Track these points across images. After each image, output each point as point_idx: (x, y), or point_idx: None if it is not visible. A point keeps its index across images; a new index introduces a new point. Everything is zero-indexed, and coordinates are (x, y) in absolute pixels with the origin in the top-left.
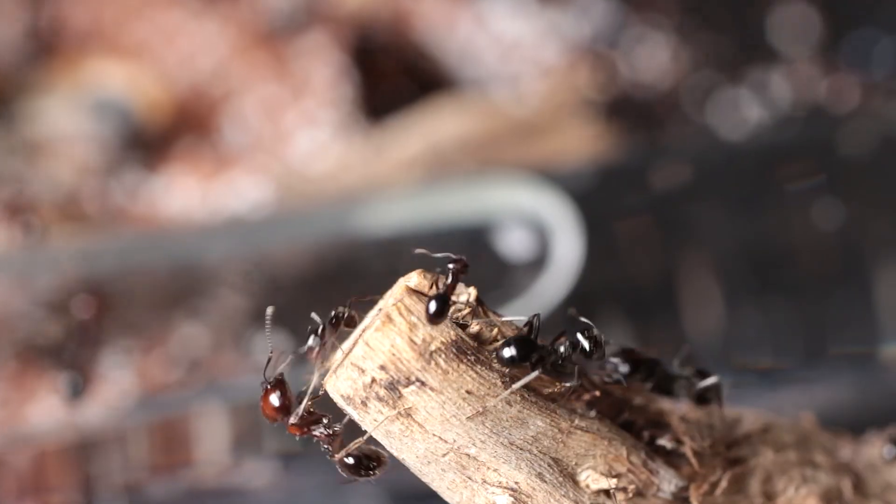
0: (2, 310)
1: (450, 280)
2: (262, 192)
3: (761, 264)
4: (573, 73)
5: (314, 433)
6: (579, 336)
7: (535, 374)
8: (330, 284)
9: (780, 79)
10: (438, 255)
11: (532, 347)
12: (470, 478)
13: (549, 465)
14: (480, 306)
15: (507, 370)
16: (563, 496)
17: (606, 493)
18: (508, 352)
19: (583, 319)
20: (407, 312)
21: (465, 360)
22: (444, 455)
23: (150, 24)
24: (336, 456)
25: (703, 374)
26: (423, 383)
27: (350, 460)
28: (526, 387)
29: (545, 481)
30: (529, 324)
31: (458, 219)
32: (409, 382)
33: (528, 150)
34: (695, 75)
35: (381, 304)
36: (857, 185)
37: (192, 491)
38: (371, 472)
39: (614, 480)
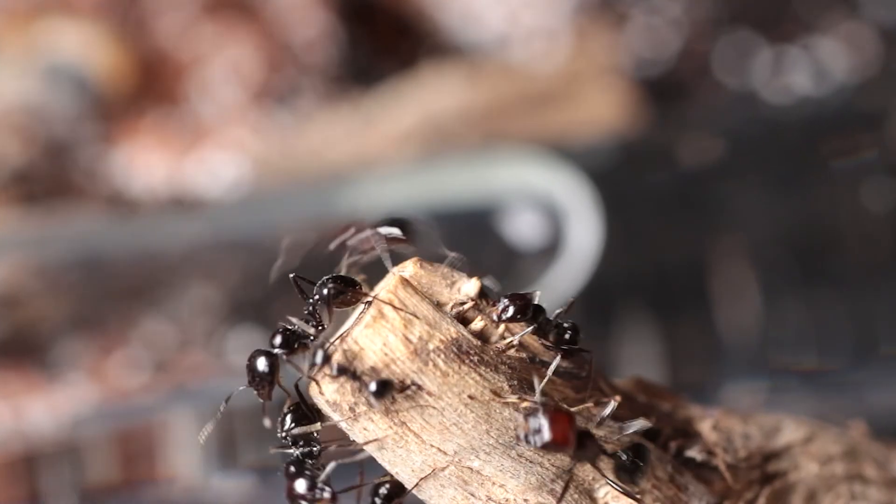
0: None
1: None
2: (237, 170)
3: (804, 251)
4: (591, 34)
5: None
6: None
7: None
8: (314, 275)
9: (827, 40)
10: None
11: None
12: (473, 494)
13: (563, 480)
14: (485, 300)
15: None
16: None
17: None
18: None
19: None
20: (401, 306)
21: (467, 361)
22: (443, 469)
23: None
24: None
25: (575, 329)
26: (419, 387)
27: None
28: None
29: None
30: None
31: (459, 200)
32: (403, 386)
33: (539, 121)
34: (729, 36)
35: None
36: None
37: None
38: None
39: (637, 498)
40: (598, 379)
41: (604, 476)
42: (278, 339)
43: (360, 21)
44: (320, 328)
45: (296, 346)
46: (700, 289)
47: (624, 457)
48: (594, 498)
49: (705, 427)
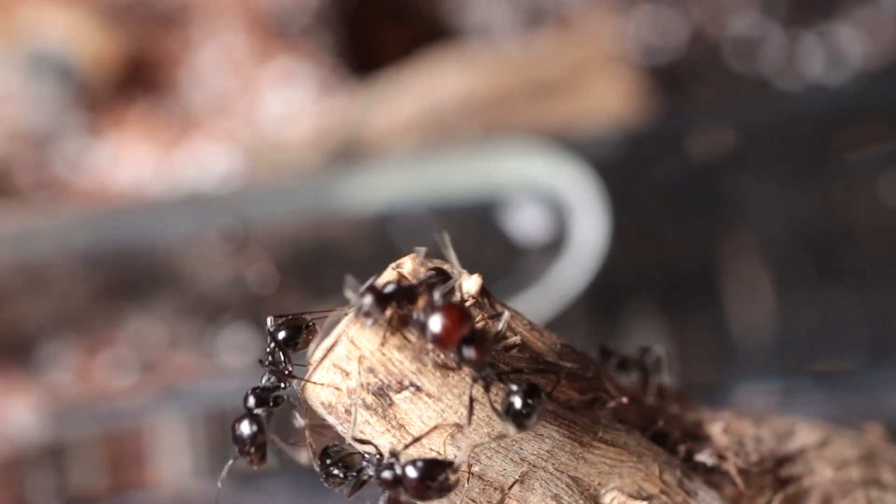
0: None
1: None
2: (228, 163)
3: (818, 247)
4: (597, 20)
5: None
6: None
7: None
8: (308, 271)
9: (844, 27)
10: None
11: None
12: (473, 500)
13: (568, 486)
14: (486, 297)
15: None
16: None
17: None
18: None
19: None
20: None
21: None
22: None
23: None
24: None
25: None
26: (418, 388)
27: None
28: None
29: None
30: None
31: (460, 193)
32: (401, 387)
33: (543, 111)
34: (741, 23)
35: None
36: None
37: None
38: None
39: (644, 503)
40: (604, 379)
41: (494, 411)
42: (252, 401)
43: (357, 6)
44: (286, 374)
45: (271, 401)
46: (710, 286)
47: (514, 387)
48: (599, 503)
49: (716, 430)
